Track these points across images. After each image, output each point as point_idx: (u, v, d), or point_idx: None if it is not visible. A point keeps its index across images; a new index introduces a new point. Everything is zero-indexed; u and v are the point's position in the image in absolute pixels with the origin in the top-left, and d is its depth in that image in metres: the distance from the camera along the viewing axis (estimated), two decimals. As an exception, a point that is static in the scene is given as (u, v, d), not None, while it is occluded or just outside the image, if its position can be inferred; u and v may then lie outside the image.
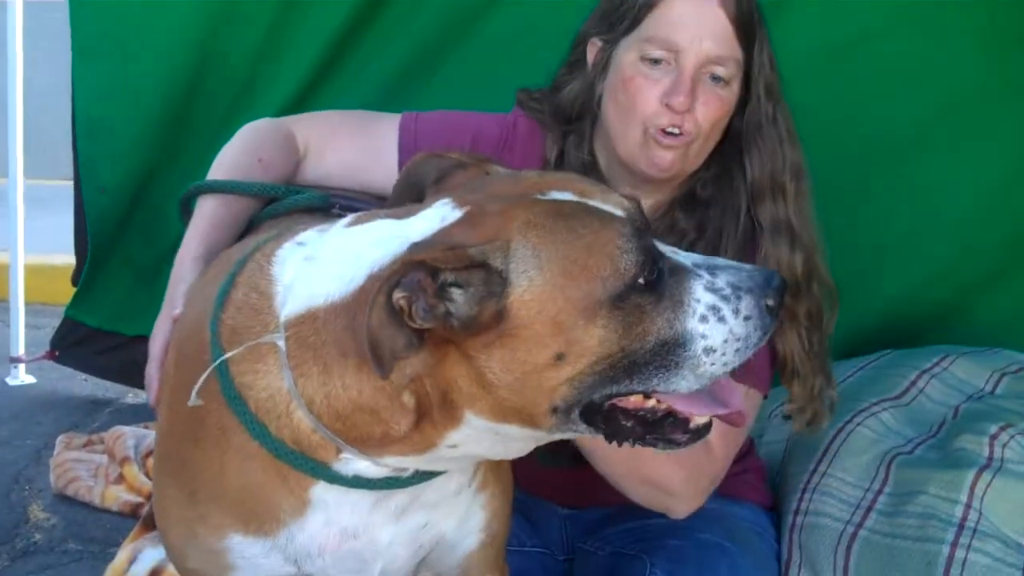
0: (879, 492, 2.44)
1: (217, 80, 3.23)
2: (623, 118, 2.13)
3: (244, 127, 2.33)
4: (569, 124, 2.28)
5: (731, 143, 2.18)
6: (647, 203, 2.19)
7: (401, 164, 2.27)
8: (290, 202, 2.15)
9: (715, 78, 2.07)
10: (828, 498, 2.47)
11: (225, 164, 2.22)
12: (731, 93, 2.11)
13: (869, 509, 2.42)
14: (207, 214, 2.10)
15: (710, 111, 2.08)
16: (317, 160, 2.32)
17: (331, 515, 1.65)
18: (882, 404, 2.68)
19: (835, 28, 2.99)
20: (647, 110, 2.08)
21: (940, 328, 3.17)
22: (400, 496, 1.63)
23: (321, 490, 1.62)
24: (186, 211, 2.17)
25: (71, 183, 3.64)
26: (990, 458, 2.41)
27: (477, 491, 1.75)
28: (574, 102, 2.26)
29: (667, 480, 2.07)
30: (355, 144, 2.33)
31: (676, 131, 2.07)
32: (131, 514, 3.28)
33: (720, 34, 2.05)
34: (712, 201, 2.22)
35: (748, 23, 2.08)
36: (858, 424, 2.61)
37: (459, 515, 1.74)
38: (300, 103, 3.15)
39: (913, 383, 2.78)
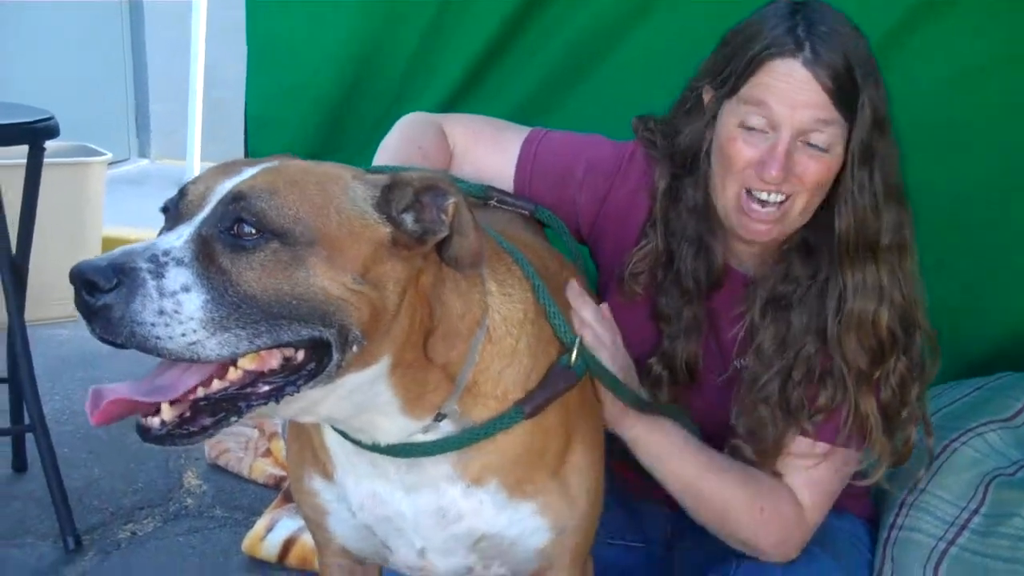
0: (975, 512, 2.44)
1: (375, 84, 3.33)
2: (722, 174, 2.13)
3: (403, 119, 2.45)
4: (680, 166, 2.27)
5: None
6: (762, 249, 2.23)
7: (516, 181, 2.38)
8: None
9: (812, 145, 2.04)
10: (924, 514, 2.48)
11: (390, 151, 2.33)
12: (832, 156, 2.05)
13: (963, 527, 2.43)
14: None
15: (808, 175, 2.05)
16: (460, 161, 2.42)
17: (354, 470, 1.79)
18: (990, 425, 2.64)
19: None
20: (742, 174, 2.08)
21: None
22: (387, 463, 1.74)
23: (331, 437, 1.78)
24: None
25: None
26: (1089, 484, 2.37)
27: (512, 496, 1.79)
28: (691, 147, 2.24)
29: (757, 541, 2.16)
30: (487, 153, 2.42)
31: (768, 197, 2.07)
32: (274, 486, 3.50)
33: (816, 103, 2.01)
34: (821, 249, 2.18)
35: (846, 90, 2.02)
36: (963, 443, 2.59)
37: (498, 517, 1.80)
38: (450, 106, 3.23)
39: (1026, 406, 2.73)
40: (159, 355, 1.41)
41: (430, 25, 3.23)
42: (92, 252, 5.23)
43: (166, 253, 1.42)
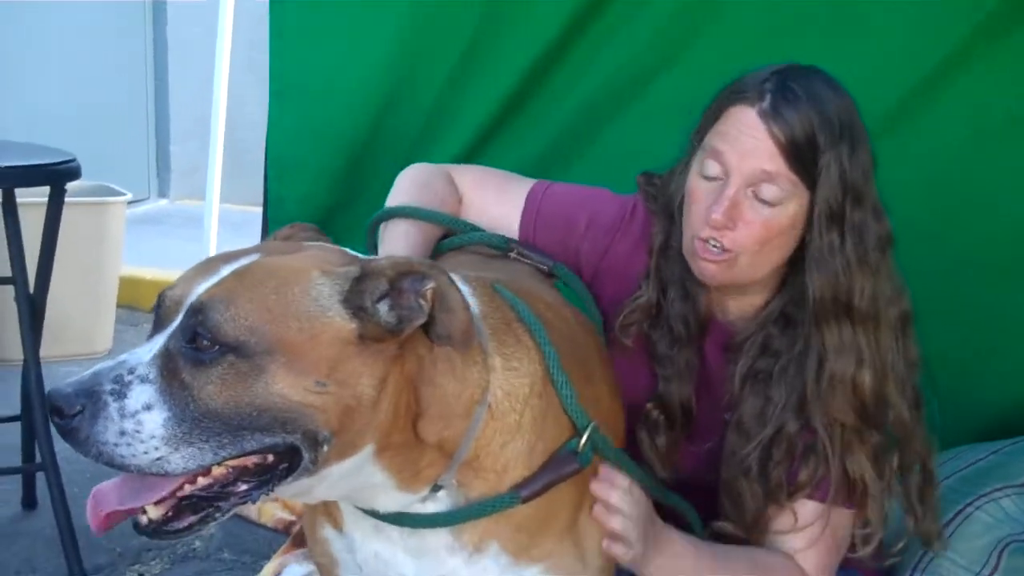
0: (989, 578, 2.42)
1: (396, 128, 3.37)
2: (684, 222, 2.16)
3: (409, 167, 2.47)
4: (672, 218, 2.26)
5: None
6: (741, 304, 2.24)
7: (521, 232, 2.38)
8: (473, 237, 2.30)
9: (761, 199, 2.03)
10: (938, 579, 2.45)
11: (402, 196, 2.35)
12: (783, 214, 2.04)
13: (977, 594, 2.40)
14: (403, 235, 2.24)
15: (752, 231, 2.03)
16: (467, 209, 2.44)
17: (359, 527, 1.79)
18: (1005, 490, 2.61)
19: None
20: (695, 222, 2.09)
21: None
22: (392, 529, 1.73)
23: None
24: (372, 235, 2.32)
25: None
26: (1104, 553, 2.35)
27: (517, 559, 1.76)
28: (675, 195, 2.25)
29: None
30: (493, 203, 2.43)
31: (715, 246, 2.06)
32: (284, 530, 3.47)
33: (764, 153, 2.00)
34: (800, 321, 2.15)
35: (801, 148, 2.00)
36: (977, 508, 2.56)
37: None
38: (471, 151, 3.29)
39: (1040, 471, 2.69)
40: (128, 470, 1.45)
41: (453, 70, 3.27)
42: (110, 291, 5.29)
43: (131, 371, 1.45)
